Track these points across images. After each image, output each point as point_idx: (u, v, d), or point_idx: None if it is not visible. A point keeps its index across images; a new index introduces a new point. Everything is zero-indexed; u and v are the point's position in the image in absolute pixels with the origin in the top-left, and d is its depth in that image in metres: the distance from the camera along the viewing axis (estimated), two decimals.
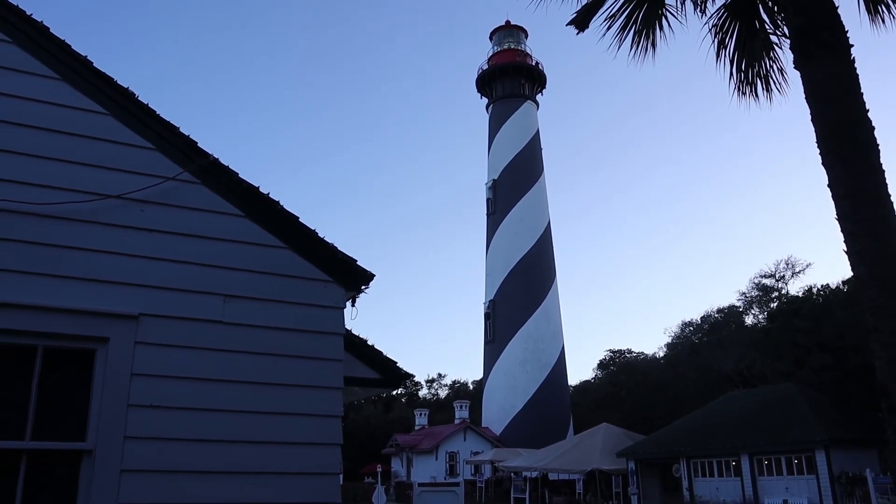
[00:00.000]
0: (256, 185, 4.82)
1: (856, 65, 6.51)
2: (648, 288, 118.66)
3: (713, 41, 8.29)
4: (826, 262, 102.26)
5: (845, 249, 6.18)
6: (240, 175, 4.80)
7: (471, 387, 72.25)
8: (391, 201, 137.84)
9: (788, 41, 6.97)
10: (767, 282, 47.74)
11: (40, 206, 4.20)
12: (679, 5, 8.14)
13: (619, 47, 8.02)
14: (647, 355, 58.92)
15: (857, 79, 6.46)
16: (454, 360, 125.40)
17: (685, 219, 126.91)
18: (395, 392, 55.91)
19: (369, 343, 5.63)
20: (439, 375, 79.52)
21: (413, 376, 6.34)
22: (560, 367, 53.07)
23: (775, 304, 44.86)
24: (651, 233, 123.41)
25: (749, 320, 48.53)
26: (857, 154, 6.23)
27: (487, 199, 58.02)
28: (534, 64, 60.71)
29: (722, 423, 30.76)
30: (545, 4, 8.19)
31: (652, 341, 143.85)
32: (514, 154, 57.07)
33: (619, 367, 58.69)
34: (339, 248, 4.95)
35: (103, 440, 4.02)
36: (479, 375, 63.86)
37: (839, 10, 6.67)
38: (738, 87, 8.39)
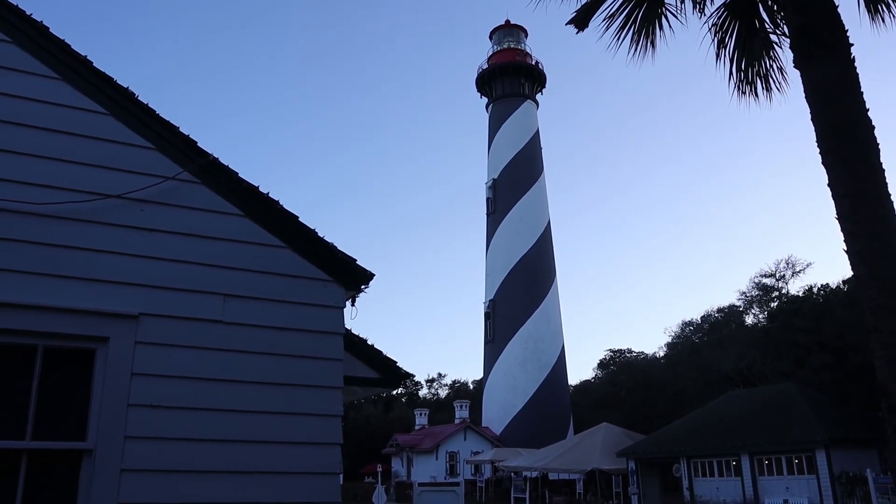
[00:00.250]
0: (256, 185, 4.83)
1: (856, 64, 6.51)
2: (648, 287, 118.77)
3: (713, 40, 8.29)
4: (826, 262, 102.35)
5: (845, 249, 6.18)
6: (239, 175, 4.80)
7: (471, 386, 72.26)
8: (391, 201, 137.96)
9: (788, 40, 6.97)
10: (768, 281, 47.75)
11: (40, 206, 4.20)
12: (679, 4, 8.14)
13: (618, 47, 8.02)
14: (647, 355, 58.92)
15: (857, 78, 6.46)
16: (454, 359, 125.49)
17: (685, 218, 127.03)
18: (395, 392, 56.01)
19: (369, 343, 5.63)
20: (439, 375, 79.61)
21: (413, 376, 6.34)
22: (560, 366, 53.08)
23: (775, 304, 44.84)
24: (651, 232, 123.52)
25: (749, 320, 48.54)
26: (857, 153, 6.23)
27: (487, 199, 58.02)
28: (534, 63, 60.70)
29: (722, 423, 30.75)
30: (545, 4, 8.19)
31: (652, 341, 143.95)
32: (514, 153, 57.07)
33: (619, 366, 58.67)
34: (339, 248, 4.95)
35: (103, 440, 4.02)
36: (479, 375, 63.95)
37: (839, 10, 6.67)
38: (738, 87, 8.39)
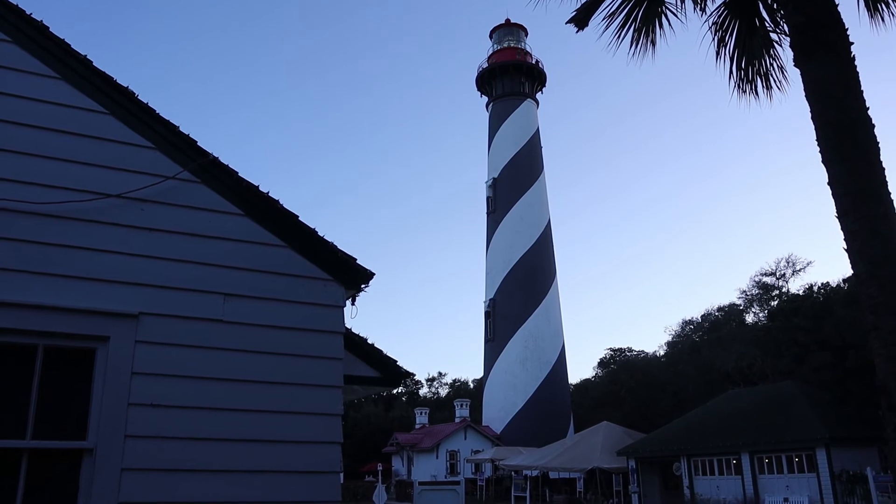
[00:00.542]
0: (256, 184, 4.83)
1: (856, 63, 6.51)
2: (649, 286, 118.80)
3: (713, 39, 8.29)
4: (826, 261, 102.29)
5: (845, 247, 6.18)
6: (240, 174, 4.80)
7: (471, 385, 72.27)
8: (391, 200, 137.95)
9: (788, 39, 6.97)
10: (768, 280, 47.68)
11: (40, 206, 4.20)
12: (679, 3, 8.14)
13: (618, 45, 8.02)
14: (647, 354, 58.85)
15: (858, 77, 6.46)
16: (454, 358, 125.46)
17: (686, 217, 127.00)
18: (395, 391, 56.00)
19: (369, 342, 5.63)
20: (440, 374, 79.59)
21: (413, 375, 6.35)
22: (560, 365, 53.09)
23: (776, 303, 44.80)
24: (651, 231, 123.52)
25: (750, 318, 48.46)
26: (857, 152, 6.23)
27: (487, 198, 58.01)
28: (534, 62, 60.67)
29: (722, 422, 30.74)
30: (545, 3, 8.20)
31: (652, 340, 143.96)
32: (514, 152, 57.06)
33: (619, 365, 58.61)
34: (339, 247, 4.95)
35: (104, 439, 4.03)
36: (479, 374, 63.97)
37: (839, 8, 6.67)
38: (738, 85, 8.39)
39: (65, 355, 4.14)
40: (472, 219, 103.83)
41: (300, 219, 4.90)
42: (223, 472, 4.27)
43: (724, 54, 8.29)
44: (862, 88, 6.44)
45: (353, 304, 5.07)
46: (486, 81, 60.62)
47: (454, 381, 78.12)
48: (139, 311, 4.28)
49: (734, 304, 50.53)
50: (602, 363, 62.18)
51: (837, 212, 6.25)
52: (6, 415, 3.95)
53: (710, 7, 8.23)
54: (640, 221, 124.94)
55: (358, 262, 4.99)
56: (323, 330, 4.80)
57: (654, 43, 8.10)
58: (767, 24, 8.16)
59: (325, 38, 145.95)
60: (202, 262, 4.56)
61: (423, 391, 77.47)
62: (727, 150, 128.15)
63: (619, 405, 49.62)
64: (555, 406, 50.77)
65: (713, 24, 8.24)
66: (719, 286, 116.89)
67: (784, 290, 45.72)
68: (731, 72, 8.33)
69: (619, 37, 8.01)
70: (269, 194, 4.85)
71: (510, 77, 59.36)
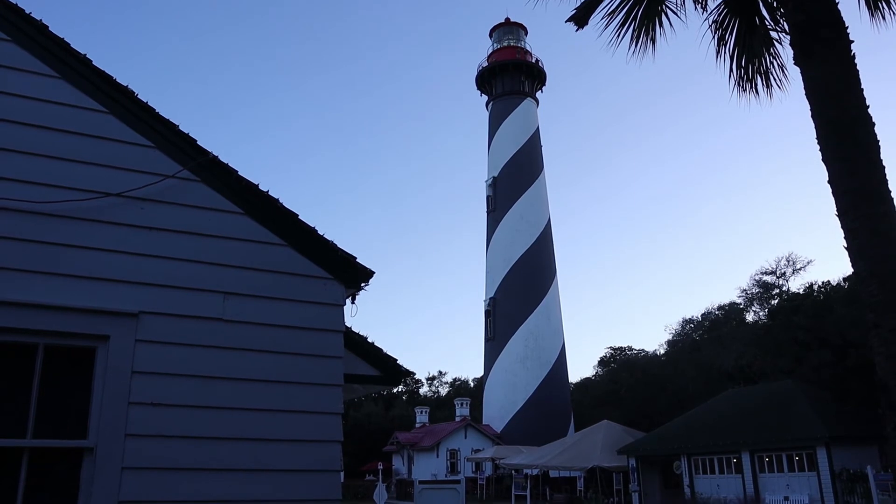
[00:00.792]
0: (256, 183, 4.83)
1: (856, 61, 6.50)
2: (649, 285, 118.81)
3: (713, 37, 8.29)
4: (827, 259, 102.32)
5: (846, 246, 6.18)
6: (239, 173, 4.80)
7: (471, 384, 72.25)
8: (391, 199, 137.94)
9: (788, 37, 6.97)
10: (768, 279, 47.64)
11: (40, 205, 4.20)
12: (679, 1, 8.13)
13: (618, 44, 8.02)
14: (647, 352, 58.89)
15: (858, 75, 6.46)
16: (455, 357, 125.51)
17: (686, 215, 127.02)
18: (395, 389, 56.04)
19: (369, 340, 5.63)
20: (440, 373, 79.57)
21: (413, 374, 6.35)
22: (560, 364, 53.10)
23: (776, 301, 44.77)
24: (652, 229, 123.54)
25: (750, 317, 48.45)
26: (857, 150, 6.23)
27: (487, 197, 58.01)
28: (534, 61, 60.65)
29: (723, 421, 30.75)
30: (544, 2, 8.21)
31: (652, 338, 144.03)
32: (515, 151, 57.05)
33: (619, 364, 58.63)
34: (339, 246, 4.96)
35: (104, 438, 4.03)
36: (479, 373, 63.96)
37: (839, 7, 6.66)
38: (739, 84, 8.38)
39: (65, 354, 4.14)
40: (472, 217, 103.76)
41: (300, 217, 4.90)
42: (223, 471, 4.27)
43: (725, 53, 8.29)
44: (862, 87, 6.44)
45: (353, 302, 5.07)
46: (485, 80, 60.60)
47: (454, 379, 78.20)
48: (139, 310, 4.29)
49: (734, 303, 50.54)
50: (602, 362, 62.22)
51: (838, 210, 6.25)
52: (7, 414, 3.95)
53: (710, 5, 8.24)
54: (641, 220, 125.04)
55: (358, 260, 4.99)
56: (323, 329, 4.80)
57: (653, 41, 8.10)
58: (767, 23, 8.16)
59: (325, 38, 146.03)
60: (202, 260, 4.57)
61: (424, 390, 77.51)
62: (727, 148, 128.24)
63: (620, 404, 49.62)
64: (555, 405, 50.78)
65: (713, 22, 8.25)
66: (719, 285, 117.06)
67: (784, 288, 45.71)
68: (731, 70, 8.33)
69: (618, 35, 8.01)
70: (269, 193, 4.85)
71: (510, 76, 59.35)
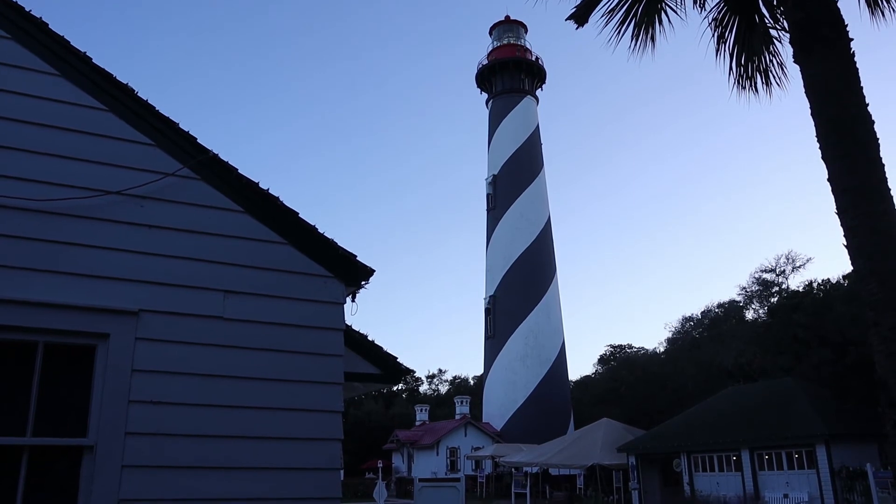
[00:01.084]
0: (256, 181, 4.83)
1: (856, 59, 6.50)
2: (649, 283, 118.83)
3: (713, 35, 8.29)
4: (826, 257, 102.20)
5: (845, 244, 6.18)
6: (239, 171, 4.80)
7: (471, 382, 72.30)
8: (391, 197, 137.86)
9: (788, 35, 6.97)
10: (768, 276, 47.69)
11: (40, 203, 4.20)
12: None
13: (618, 42, 8.02)
14: (647, 350, 58.99)
15: (858, 73, 6.46)
16: (455, 355, 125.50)
17: (686, 213, 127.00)
18: (395, 388, 56.11)
19: (370, 338, 5.63)
20: (440, 371, 79.63)
21: (413, 372, 6.35)
22: (560, 362, 53.12)
23: (776, 299, 44.80)
24: (651, 227, 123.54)
25: (749, 315, 48.51)
26: (856, 149, 6.23)
27: (487, 195, 58.00)
28: (534, 59, 60.60)
29: (722, 418, 30.77)
30: None
31: (652, 336, 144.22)
32: (515, 149, 57.03)
33: (619, 362, 58.70)
34: (339, 244, 4.96)
35: (104, 436, 4.03)
36: (479, 371, 63.97)
37: (839, 5, 6.66)
38: (738, 82, 8.38)
39: (65, 352, 4.14)
40: (472, 215, 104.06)
41: (300, 215, 4.90)
42: (223, 469, 4.28)
43: (724, 51, 8.29)
44: (862, 85, 6.44)
45: (353, 300, 5.08)
46: (485, 78, 60.56)
47: (454, 377, 78.25)
48: (139, 308, 4.29)
49: (734, 301, 50.60)
50: (602, 360, 62.32)
51: (837, 208, 6.25)
52: (6, 412, 3.95)
53: (710, 3, 8.24)
54: (640, 218, 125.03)
55: (358, 258, 5.00)
56: (323, 327, 4.81)
57: (653, 39, 8.10)
58: (767, 21, 8.16)
59: (325, 35, 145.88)
60: (202, 258, 4.57)
61: (424, 388, 77.55)
62: (727, 146, 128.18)
63: (620, 402, 49.67)
64: (555, 403, 50.81)
65: (713, 20, 8.25)
66: (719, 283, 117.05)
67: (784, 286, 45.75)
68: (730, 68, 8.33)
69: (618, 33, 8.01)
70: (269, 191, 4.85)
71: (510, 74, 59.31)
